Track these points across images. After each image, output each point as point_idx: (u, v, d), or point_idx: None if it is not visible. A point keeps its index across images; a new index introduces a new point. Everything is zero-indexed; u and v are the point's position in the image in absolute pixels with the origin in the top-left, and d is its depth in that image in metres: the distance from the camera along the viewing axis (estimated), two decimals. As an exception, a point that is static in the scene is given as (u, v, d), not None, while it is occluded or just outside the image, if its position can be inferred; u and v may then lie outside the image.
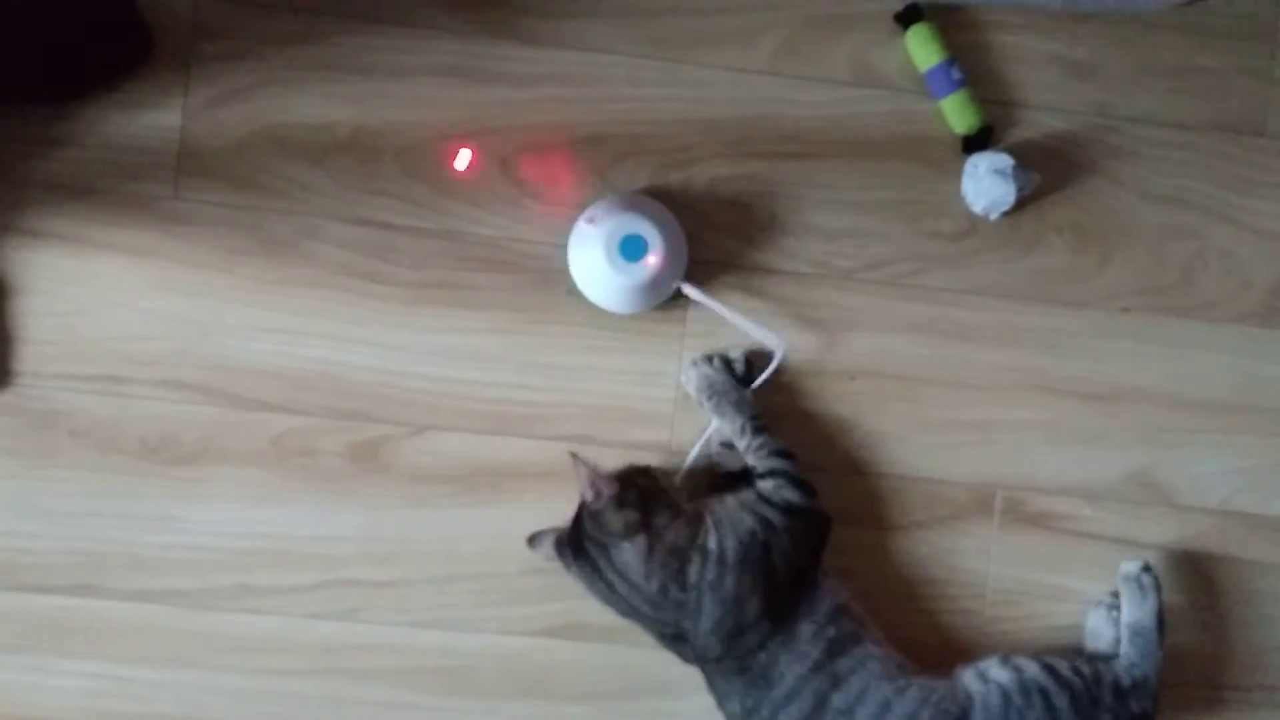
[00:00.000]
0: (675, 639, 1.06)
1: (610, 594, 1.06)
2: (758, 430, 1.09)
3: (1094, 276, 1.19)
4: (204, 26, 1.12)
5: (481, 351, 1.14)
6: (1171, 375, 1.19)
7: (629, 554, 1.04)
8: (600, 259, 1.08)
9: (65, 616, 1.11)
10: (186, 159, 1.12)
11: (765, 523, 1.06)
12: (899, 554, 1.16)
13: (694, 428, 1.14)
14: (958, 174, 1.17)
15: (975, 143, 1.16)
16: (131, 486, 1.12)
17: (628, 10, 1.15)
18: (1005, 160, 1.12)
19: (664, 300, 1.13)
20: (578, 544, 1.06)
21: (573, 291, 1.13)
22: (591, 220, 1.10)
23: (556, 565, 1.08)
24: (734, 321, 1.12)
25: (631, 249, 1.08)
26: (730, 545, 1.04)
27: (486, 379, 1.14)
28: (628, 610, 1.06)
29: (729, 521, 1.06)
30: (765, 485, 1.08)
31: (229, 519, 1.12)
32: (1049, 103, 1.18)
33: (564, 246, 1.14)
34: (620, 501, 1.04)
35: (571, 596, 1.12)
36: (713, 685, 1.08)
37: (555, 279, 1.14)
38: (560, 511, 1.10)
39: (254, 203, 1.13)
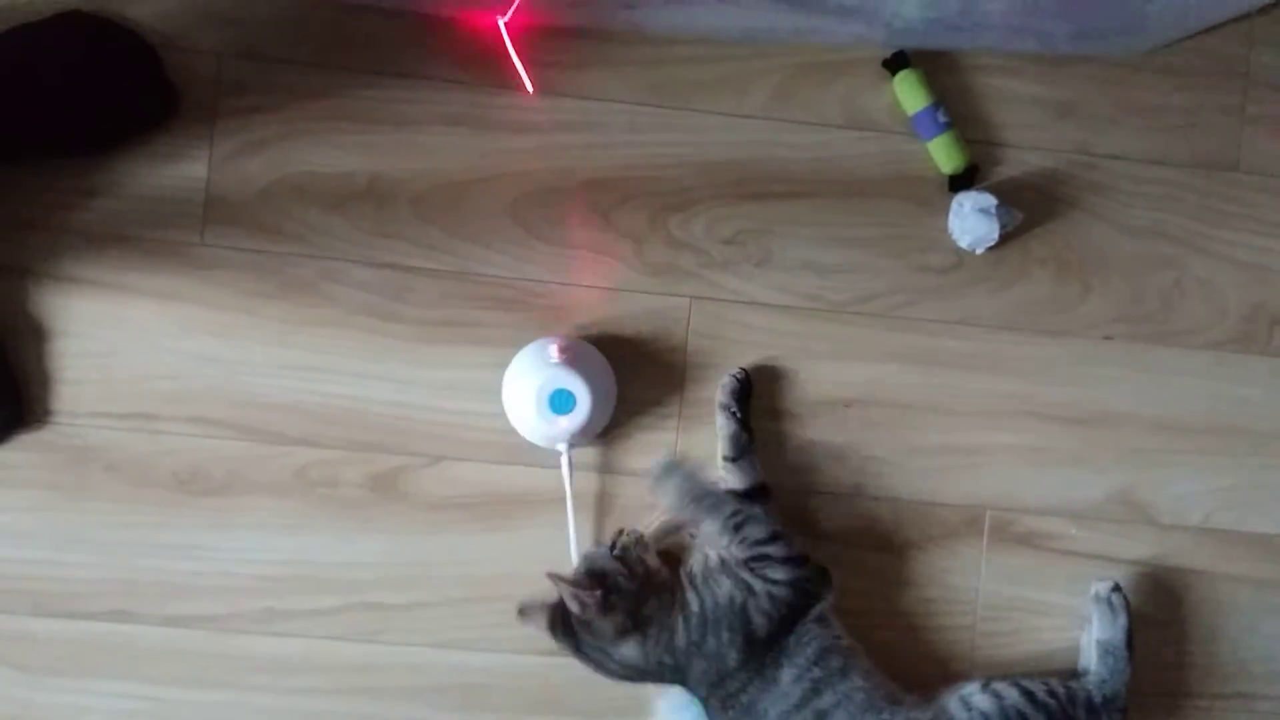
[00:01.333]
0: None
1: (614, 673, 1.11)
2: (737, 527, 1.09)
3: (1076, 306, 1.23)
4: (227, 83, 1.18)
5: (492, 385, 1.19)
6: (1152, 399, 1.24)
7: (629, 650, 1.09)
8: (531, 412, 1.12)
9: (102, 641, 1.17)
10: (212, 207, 1.18)
11: (745, 586, 1.09)
12: (892, 573, 1.21)
13: (699, 450, 1.20)
14: (945, 210, 1.22)
15: (961, 181, 1.21)
16: (163, 517, 1.17)
17: (627, 60, 1.20)
18: (989, 200, 1.17)
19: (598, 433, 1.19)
20: (574, 642, 1.09)
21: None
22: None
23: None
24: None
25: (561, 402, 1.11)
26: (709, 604, 1.09)
27: (497, 411, 1.19)
28: (627, 679, 1.11)
29: (707, 581, 1.10)
30: (752, 567, 1.10)
31: (256, 547, 1.18)
32: (1031, 142, 1.23)
33: (569, 285, 1.20)
34: (607, 607, 1.06)
35: (581, 617, 1.17)
36: (708, 715, 1.13)
37: (562, 316, 1.20)
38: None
39: (276, 248, 1.18)
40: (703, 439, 1.20)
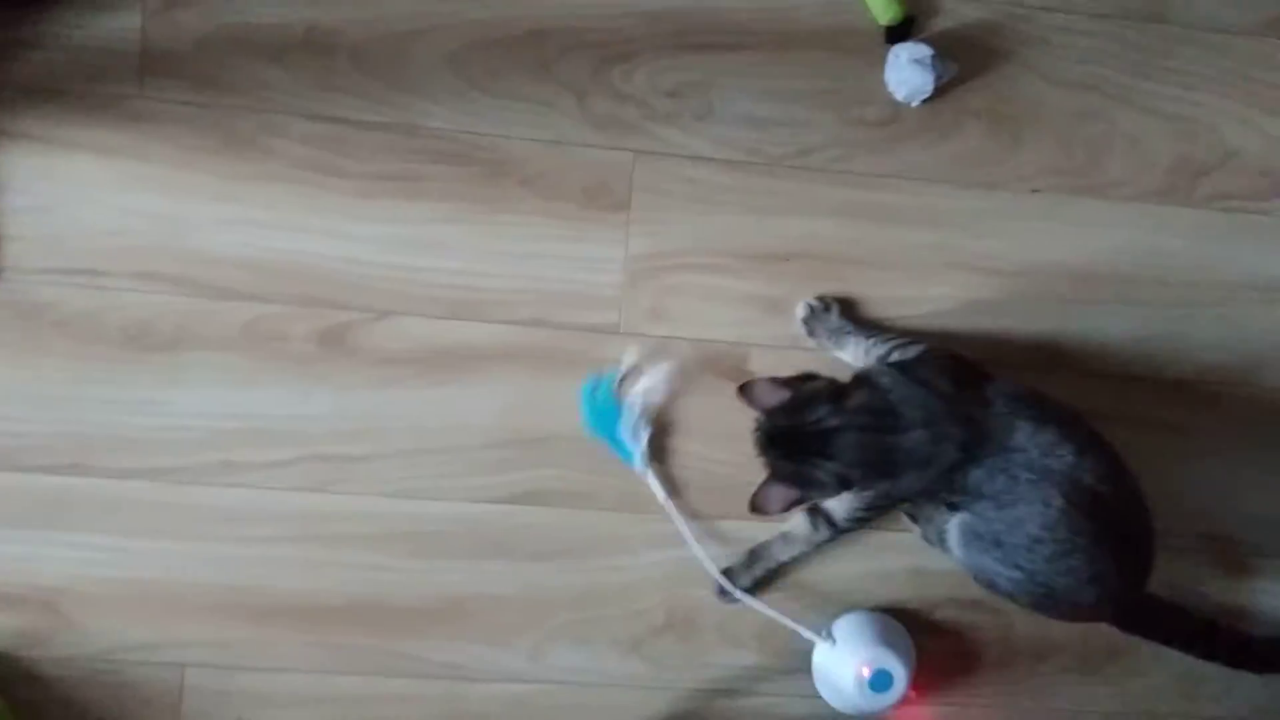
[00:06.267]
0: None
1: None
2: (871, 346, 1.19)
3: (1007, 159, 1.26)
4: (158, -71, 1.16)
5: (437, 240, 1.21)
6: (1078, 250, 1.28)
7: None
8: (851, 691, 1.21)
9: (58, 494, 1.19)
10: (149, 59, 1.17)
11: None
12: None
13: (639, 309, 1.23)
14: (882, 64, 1.23)
15: (898, 34, 1.23)
16: (114, 373, 1.19)
17: (567, -91, 1.20)
18: (924, 51, 1.19)
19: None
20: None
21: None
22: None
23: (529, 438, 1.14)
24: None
25: (880, 681, 1.20)
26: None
27: (443, 266, 1.21)
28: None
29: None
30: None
31: (207, 401, 1.20)
32: (967, -7, 1.25)
33: (521, 139, 1.20)
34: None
35: (530, 466, 1.21)
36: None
37: (504, 170, 1.21)
38: (519, 389, 1.20)
39: (216, 100, 1.18)
40: (646, 293, 1.23)
